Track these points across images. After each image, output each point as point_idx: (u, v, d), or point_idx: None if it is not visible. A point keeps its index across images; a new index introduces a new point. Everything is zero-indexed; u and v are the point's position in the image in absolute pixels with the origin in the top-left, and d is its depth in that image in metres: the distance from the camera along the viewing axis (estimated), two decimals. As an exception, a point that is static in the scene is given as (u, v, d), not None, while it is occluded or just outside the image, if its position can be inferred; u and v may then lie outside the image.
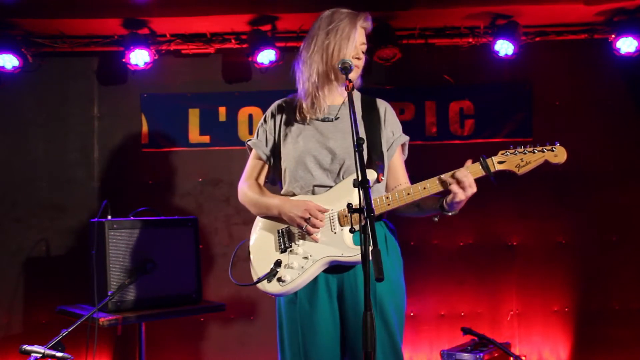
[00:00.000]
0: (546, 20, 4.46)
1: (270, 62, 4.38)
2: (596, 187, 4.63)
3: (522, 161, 2.39)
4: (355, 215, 2.34)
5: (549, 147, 2.39)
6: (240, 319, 4.65)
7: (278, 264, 2.46)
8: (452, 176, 2.36)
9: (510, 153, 2.40)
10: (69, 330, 2.98)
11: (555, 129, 4.62)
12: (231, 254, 4.84)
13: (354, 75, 2.51)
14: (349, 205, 2.13)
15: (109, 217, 3.63)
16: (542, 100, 4.68)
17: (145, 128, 4.71)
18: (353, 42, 2.49)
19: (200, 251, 3.88)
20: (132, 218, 3.71)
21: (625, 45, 4.30)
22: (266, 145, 2.65)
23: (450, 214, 2.45)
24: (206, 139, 4.73)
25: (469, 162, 2.41)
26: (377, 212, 2.43)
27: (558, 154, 2.39)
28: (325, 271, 2.46)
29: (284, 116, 2.63)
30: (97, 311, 3.34)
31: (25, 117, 4.66)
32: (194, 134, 4.73)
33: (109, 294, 3.40)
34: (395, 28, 4.36)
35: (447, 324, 4.61)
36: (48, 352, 2.75)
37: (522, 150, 2.40)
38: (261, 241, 2.56)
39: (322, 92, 2.54)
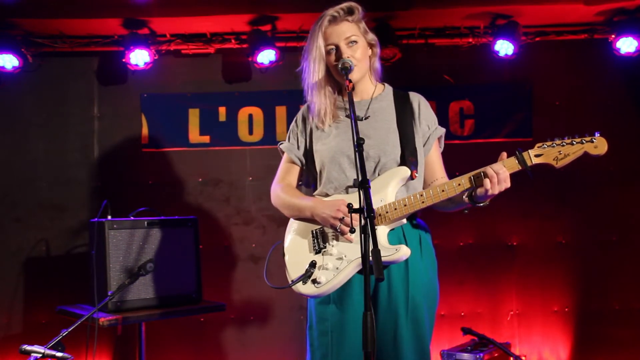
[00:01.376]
0: (546, 20, 4.46)
1: (270, 62, 4.38)
2: (596, 187, 4.63)
3: (560, 154, 2.31)
4: (379, 213, 2.34)
5: (589, 138, 2.30)
6: (240, 319, 4.64)
7: (313, 265, 2.43)
8: (487, 171, 2.30)
9: (548, 146, 2.32)
10: (69, 330, 2.97)
11: (555, 129, 4.60)
12: (231, 254, 4.87)
13: (357, 73, 2.48)
14: (349, 206, 2.13)
15: (109, 217, 3.63)
16: (542, 100, 4.68)
17: (145, 128, 4.71)
18: (322, 53, 2.47)
19: (200, 251, 3.88)
20: (132, 218, 3.71)
21: (625, 45, 4.30)
22: (298, 148, 2.64)
23: (481, 204, 2.39)
24: (206, 139, 4.73)
25: (503, 155, 2.35)
26: (411, 209, 2.39)
27: (598, 145, 2.30)
28: (360, 271, 2.43)
29: (312, 120, 2.62)
30: (97, 311, 3.34)
31: (25, 117, 4.66)
32: (194, 134, 4.72)
33: (109, 294, 3.39)
34: (395, 28, 4.37)
35: (447, 324, 4.61)
36: (48, 352, 2.74)
37: (560, 142, 2.31)
38: (295, 243, 2.54)
39: (339, 96, 2.56)
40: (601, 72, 4.65)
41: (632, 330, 4.58)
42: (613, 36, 4.33)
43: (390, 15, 4.31)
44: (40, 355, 2.73)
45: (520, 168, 2.32)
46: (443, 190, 2.36)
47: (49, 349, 2.76)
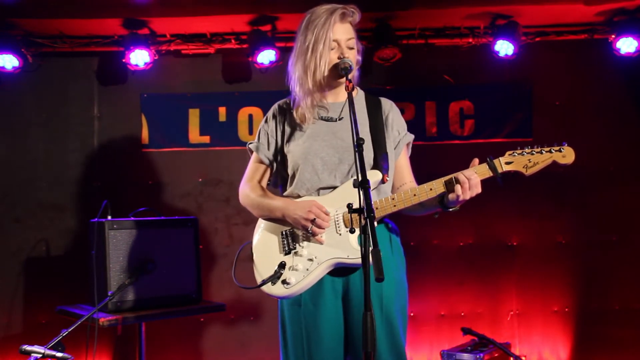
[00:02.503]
0: (546, 20, 4.46)
1: (270, 62, 4.38)
2: (596, 187, 4.63)
3: (530, 162, 2.37)
4: (356, 216, 2.33)
5: (557, 148, 2.37)
6: (240, 319, 4.65)
7: (282, 266, 2.44)
8: (458, 177, 2.33)
9: (518, 153, 2.38)
10: (69, 330, 2.98)
11: (555, 129, 4.62)
12: (232, 254, 4.86)
13: (351, 75, 2.47)
14: (349, 206, 2.13)
15: (109, 217, 3.63)
16: (542, 100, 4.68)
17: (145, 128, 4.71)
18: (328, 45, 2.45)
19: (200, 251, 3.88)
20: (132, 218, 3.71)
21: (625, 45, 4.30)
22: (268, 148, 2.63)
23: (451, 209, 2.42)
24: (206, 139, 4.73)
25: (475, 162, 2.38)
26: (382, 213, 2.42)
27: (566, 155, 2.37)
28: (330, 273, 2.45)
29: (286, 117, 2.61)
30: (97, 311, 3.34)
31: (25, 117, 4.66)
32: (194, 134, 4.72)
33: (109, 294, 3.40)
34: (395, 28, 4.36)
35: (447, 324, 4.61)
36: (48, 352, 2.75)
37: (529, 150, 2.37)
38: (264, 243, 2.53)
39: (320, 93, 2.54)
40: (601, 72, 4.65)
41: (632, 330, 4.58)
42: (613, 36, 4.33)
43: (390, 15, 4.31)
44: (40, 355, 2.73)
45: (491, 175, 2.36)
46: (415, 195, 2.39)
47: (49, 349, 2.77)
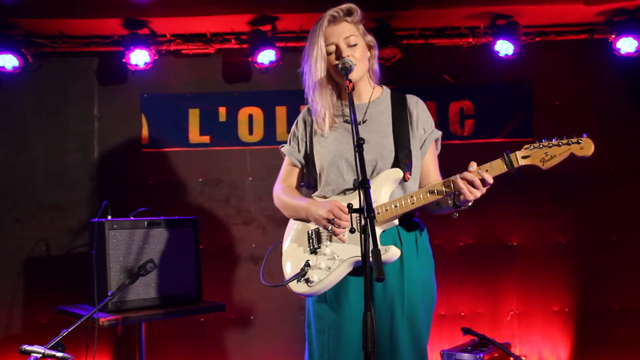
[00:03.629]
0: (546, 20, 4.46)
1: (270, 62, 4.38)
2: (596, 187, 4.63)
3: (547, 155, 2.30)
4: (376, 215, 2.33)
5: (575, 140, 2.30)
6: (240, 319, 4.65)
7: (308, 264, 2.47)
8: (463, 177, 2.31)
9: (535, 147, 2.31)
10: (69, 330, 2.98)
11: (555, 129, 4.59)
12: (232, 254, 4.87)
13: (356, 73, 2.48)
14: (349, 206, 2.14)
15: (109, 217, 3.63)
16: (542, 100, 4.68)
17: (145, 128, 4.71)
18: (322, 52, 2.47)
19: (200, 251, 3.88)
20: (132, 218, 3.71)
21: (625, 45, 4.30)
22: (298, 151, 2.67)
23: (462, 208, 2.40)
24: (206, 139, 4.73)
25: (473, 164, 2.35)
26: (400, 211, 2.40)
27: (584, 146, 2.30)
28: (355, 272, 2.45)
29: (313, 121, 2.63)
30: (97, 311, 3.34)
31: (25, 117, 4.66)
32: (194, 134, 4.72)
33: (109, 294, 3.39)
34: (395, 28, 4.37)
35: (447, 324, 4.61)
36: (48, 352, 2.75)
37: (547, 143, 2.31)
38: (293, 243, 2.58)
39: (338, 95, 2.58)
40: (601, 72, 4.65)
41: (632, 330, 4.58)
42: (613, 36, 4.33)
43: (390, 15, 4.32)
44: (40, 355, 2.73)
45: (507, 170, 2.32)
46: (432, 192, 2.38)
47: (49, 349, 2.77)
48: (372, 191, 2.38)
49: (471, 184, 2.29)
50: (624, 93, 4.69)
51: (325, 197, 2.56)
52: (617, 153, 4.66)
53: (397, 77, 4.68)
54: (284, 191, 2.67)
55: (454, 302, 4.65)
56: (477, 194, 2.30)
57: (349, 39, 2.49)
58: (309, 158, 2.64)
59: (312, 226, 2.54)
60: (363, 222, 1.98)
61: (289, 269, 2.54)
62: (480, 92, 4.71)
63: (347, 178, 2.51)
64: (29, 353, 2.74)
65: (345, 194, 2.52)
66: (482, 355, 3.89)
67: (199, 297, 3.80)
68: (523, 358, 4.56)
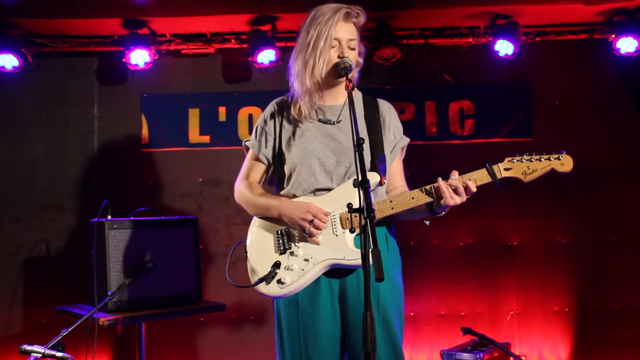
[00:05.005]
0: (546, 20, 4.46)
1: (270, 62, 4.38)
2: (596, 187, 4.63)
3: (529, 169, 2.39)
4: (356, 217, 2.33)
5: (556, 156, 2.40)
6: (240, 319, 4.64)
7: (277, 265, 2.44)
8: (449, 183, 2.35)
9: (517, 160, 2.40)
10: (69, 330, 2.98)
11: (555, 129, 4.62)
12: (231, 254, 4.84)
13: (350, 73, 2.45)
14: (349, 206, 2.12)
15: (109, 217, 3.63)
16: (542, 100, 4.68)
17: (145, 128, 4.71)
18: (329, 42, 2.44)
19: (200, 251, 3.88)
20: (132, 218, 3.71)
21: (625, 45, 4.30)
22: (265, 146, 2.60)
23: (438, 215, 2.45)
24: (206, 139, 4.73)
25: (455, 173, 2.38)
26: (379, 215, 2.42)
27: (565, 163, 2.40)
28: (327, 274, 2.45)
29: (284, 116, 2.59)
30: (97, 311, 3.34)
31: (25, 117, 4.66)
32: (194, 134, 4.72)
33: (109, 294, 3.39)
34: (395, 28, 4.37)
35: (447, 324, 4.61)
36: (48, 352, 2.75)
37: (528, 157, 2.40)
38: (259, 242, 2.54)
39: (318, 93, 2.53)
40: (601, 72, 4.65)
41: (632, 330, 4.58)
42: (613, 36, 4.33)
43: (390, 15, 4.31)
44: (40, 355, 2.73)
45: (490, 180, 2.39)
46: (413, 198, 2.40)
47: (49, 349, 2.77)
48: (346, 194, 2.40)
49: (455, 190, 2.33)
50: (623, 93, 4.69)
51: (295, 195, 2.51)
52: (617, 153, 4.66)
53: (397, 77, 4.68)
54: (248, 188, 2.59)
55: (454, 302, 4.64)
56: (458, 200, 2.35)
57: (351, 42, 2.49)
58: (277, 155, 2.59)
59: (280, 226, 2.49)
60: (363, 221, 1.97)
61: (256, 269, 2.49)
62: (480, 92, 4.71)
63: (319, 178, 2.48)
64: (29, 353, 2.74)
65: (315, 194, 2.49)
66: (482, 355, 3.89)
67: (199, 297, 3.80)
68: (523, 358, 4.56)
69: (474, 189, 2.35)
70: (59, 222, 4.62)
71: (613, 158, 4.66)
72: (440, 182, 2.35)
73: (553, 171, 2.41)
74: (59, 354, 2.75)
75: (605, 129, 4.64)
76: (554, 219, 4.66)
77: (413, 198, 2.40)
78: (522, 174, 2.40)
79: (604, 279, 4.63)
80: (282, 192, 2.57)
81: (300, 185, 2.50)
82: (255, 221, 2.59)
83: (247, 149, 2.68)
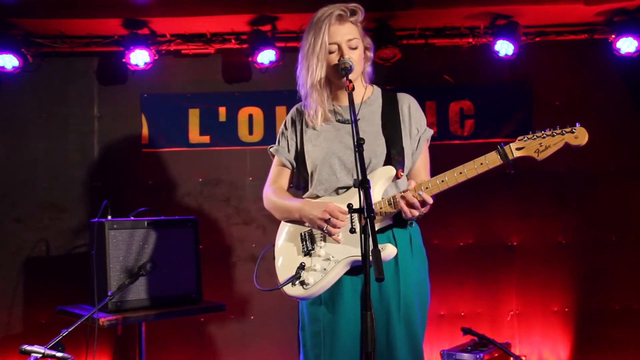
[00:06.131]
0: (546, 20, 4.46)
1: (271, 62, 4.38)
2: (596, 187, 4.63)
3: (542, 146, 2.31)
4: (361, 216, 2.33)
5: (569, 129, 2.31)
6: (240, 319, 4.64)
7: (302, 267, 2.45)
8: (404, 196, 2.35)
9: (529, 138, 2.32)
10: (69, 330, 2.98)
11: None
12: (232, 254, 4.86)
13: (352, 75, 2.46)
14: (349, 205, 2.13)
15: (109, 217, 3.63)
16: (542, 100, 4.68)
17: (145, 128, 4.71)
18: (325, 49, 2.45)
19: (200, 251, 3.88)
20: (132, 218, 3.71)
21: (625, 45, 4.30)
22: (288, 151, 2.65)
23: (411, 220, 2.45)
24: (206, 139, 4.73)
25: (412, 183, 2.38)
26: (389, 210, 2.41)
27: (579, 135, 2.31)
28: (349, 272, 2.45)
29: (303, 120, 2.62)
30: (97, 311, 3.34)
31: (25, 117, 4.66)
32: (194, 134, 4.72)
33: (109, 294, 3.39)
34: (395, 28, 4.37)
35: (447, 324, 4.61)
36: (48, 352, 2.74)
37: (540, 134, 2.31)
38: (286, 245, 2.56)
39: (330, 95, 2.56)
40: (601, 72, 4.65)
41: (632, 330, 4.58)
42: (613, 36, 4.33)
43: (390, 15, 4.31)
44: (40, 355, 2.73)
45: (502, 162, 2.33)
46: (381, 208, 2.41)
47: (49, 349, 2.76)
48: None
49: (410, 205, 2.33)
50: (624, 93, 4.69)
51: (317, 196, 2.54)
52: (617, 153, 4.66)
53: (397, 77, 4.68)
54: (274, 193, 2.64)
55: (454, 302, 4.64)
56: (416, 213, 2.35)
57: (351, 41, 2.49)
58: (299, 157, 2.62)
59: (305, 228, 2.52)
60: (363, 222, 1.97)
61: (283, 272, 2.51)
62: (480, 92, 4.71)
63: (340, 177, 2.50)
64: (29, 353, 2.74)
65: (337, 193, 2.51)
66: (482, 355, 3.89)
67: (199, 297, 3.80)
68: (523, 358, 4.56)
69: (430, 201, 2.33)
70: (59, 222, 4.62)
71: (613, 158, 4.66)
72: (398, 198, 2.36)
73: (567, 145, 2.31)
74: (59, 354, 2.75)
75: (605, 129, 4.64)
76: (554, 219, 4.66)
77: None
78: (535, 152, 2.31)
79: (604, 279, 4.63)
80: (306, 194, 2.60)
81: (322, 185, 2.52)
82: (284, 225, 2.61)
83: (273, 155, 2.72)
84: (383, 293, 2.44)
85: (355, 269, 2.46)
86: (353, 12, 2.51)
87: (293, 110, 2.70)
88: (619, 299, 4.63)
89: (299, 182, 2.69)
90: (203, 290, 3.85)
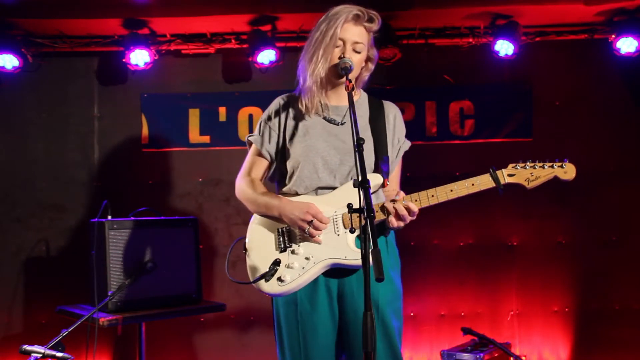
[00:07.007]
0: (546, 20, 4.46)
1: (271, 62, 4.38)
2: (596, 187, 4.63)
3: (532, 175, 2.47)
4: (357, 216, 2.33)
5: (559, 164, 2.46)
6: (240, 319, 4.64)
7: (277, 263, 2.44)
8: (394, 207, 2.37)
9: (521, 167, 2.47)
10: (69, 330, 2.98)
11: (555, 129, 4.62)
12: (232, 253, 4.85)
13: (351, 75, 2.44)
14: (349, 205, 2.12)
15: (109, 217, 3.63)
16: (542, 100, 4.68)
17: (145, 128, 4.71)
18: (334, 41, 2.43)
19: (200, 251, 3.88)
20: (132, 218, 3.71)
21: (625, 45, 4.30)
22: (269, 142, 2.59)
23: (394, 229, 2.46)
24: (206, 139, 4.73)
25: (401, 194, 2.41)
26: (377, 218, 2.41)
27: (568, 171, 2.47)
28: (325, 273, 2.45)
29: (289, 113, 2.58)
30: (97, 311, 3.34)
31: (25, 117, 4.66)
32: (194, 134, 4.72)
33: (109, 294, 3.39)
34: (395, 28, 4.37)
35: (447, 324, 4.61)
36: (48, 352, 2.74)
37: (532, 165, 2.46)
38: (259, 239, 2.53)
39: (324, 91, 2.52)
40: (601, 72, 4.65)
41: (632, 330, 4.58)
42: (613, 36, 4.33)
43: (390, 15, 4.31)
44: (40, 355, 2.73)
45: (493, 185, 2.45)
46: (433, 195, 2.43)
47: (49, 349, 2.77)
48: (348, 194, 2.39)
49: (399, 217, 2.36)
50: (624, 93, 4.69)
51: (297, 193, 2.50)
52: (617, 153, 4.66)
53: (397, 77, 4.68)
54: (249, 185, 2.58)
55: (454, 302, 4.64)
56: (401, 224, 2.38)
57: (357, 44, 2.47)
58: (280, 151, 2.58)
59: (282, 224, 2.49)
60: (363, 222, 1.97)
61: (256, 266, 2.48)
62: (480, 92, 4.71)
63: (322, 176, 2.48)
64: (29, 353, 2.74)
65: (317, 193, 2.49)
66: (482, 355, 3.89)
67: (199, 297, 3.80)
68: (523, 358, 4.56)
69: (416, 210, 2.37)
70: (59, 222, 4.62)
71: (613, 158, 4.66)
72: (389, 207, 2.37)
73: (556, 179, 2.47)
74: (59, 354, 2.75)
75: (606, 129, 4.64)
76: (554, 219, 4.65)
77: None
78: (525, 180, 2.47)
79: (604, 279, 4.63)
80: (283, 189, 2.56)
81: (302, 182, 2.49)
82: (256, 218, 2.57)
83: (250, 144, 2.65)
84: (360, 295, 2.42)
85: (330, 271, 2.45)
86: (370, 19, 2.51)
87: (277, 100, 2.63)
88: (619, 299, 4.63)
89: (275, 176, 2.64)
90: (203, 290, 3.85)
